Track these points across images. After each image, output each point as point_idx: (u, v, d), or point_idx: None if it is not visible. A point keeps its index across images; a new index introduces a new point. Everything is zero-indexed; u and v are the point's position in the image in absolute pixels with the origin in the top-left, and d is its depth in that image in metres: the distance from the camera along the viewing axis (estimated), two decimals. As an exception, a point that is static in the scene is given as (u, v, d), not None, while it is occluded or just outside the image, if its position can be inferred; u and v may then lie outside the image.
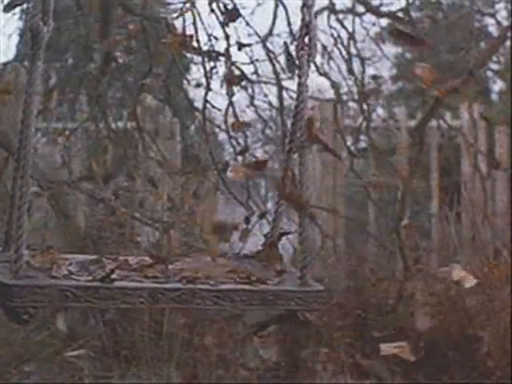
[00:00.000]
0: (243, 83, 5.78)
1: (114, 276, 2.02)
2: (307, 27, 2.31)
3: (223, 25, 4.53)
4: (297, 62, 2.34)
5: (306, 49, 2.32)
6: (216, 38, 4.58)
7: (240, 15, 3.65)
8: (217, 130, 5.96)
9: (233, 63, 4.66)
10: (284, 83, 5.84)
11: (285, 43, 2.52)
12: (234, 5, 3.79)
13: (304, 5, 2.32)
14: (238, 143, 5.10)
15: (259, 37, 5.60)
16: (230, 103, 4.61)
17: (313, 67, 2.40)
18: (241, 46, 4.09)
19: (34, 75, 2.10)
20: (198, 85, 5.28)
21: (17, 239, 2.02)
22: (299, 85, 2.33)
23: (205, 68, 4.71)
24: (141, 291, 2.01)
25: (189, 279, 2.09)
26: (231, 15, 3.65)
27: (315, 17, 2.38)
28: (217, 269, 2.20)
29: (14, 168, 2.24)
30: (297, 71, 2.34)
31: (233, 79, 3.78)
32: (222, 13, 3.97)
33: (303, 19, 2.32)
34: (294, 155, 2.33)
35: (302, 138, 2.31)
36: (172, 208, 4.56)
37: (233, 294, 2.09)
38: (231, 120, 4.64)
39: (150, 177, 4.83)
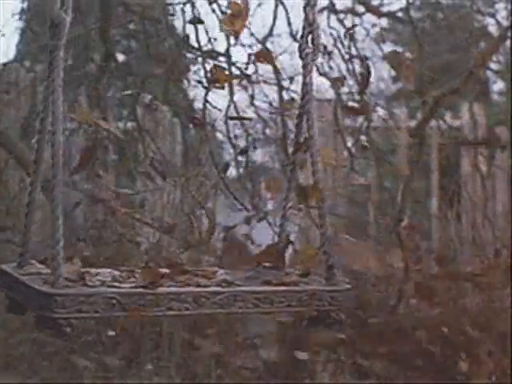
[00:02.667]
0: (243, 83, 5.78)
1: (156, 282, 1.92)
2: (310, 26, 2.28)
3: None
4: (301, 62, 2.31)
5: (309, 48, 2.29)
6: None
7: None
8: (217, 129, 5.96)
9: (233, 63, 4.67)
10: (284, 83, 5.84)
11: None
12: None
13: (307, 4, 2.29)
14: (235, 146, 5.10)
15: (257, 39, 5.60)
16: (230, 103, 4.61)
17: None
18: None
19: (57, 68, 1.96)
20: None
21: (53, 246, 1.89)
22: (304, 84, 2.30)
23: (205, 68, 4.72)
24: (185, 296, 1.92)
25: (228, 282, 2.03)
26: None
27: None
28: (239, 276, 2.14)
29: (33, 171, 2.08)
30: (302, 70, 2.32)
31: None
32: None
33: (306, 18, 2.29)
34: (300, 155, 2.30)
35: (312, 137, 2.27)
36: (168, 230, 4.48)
37: (272, 296, 2.04)
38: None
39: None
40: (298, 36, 2.33)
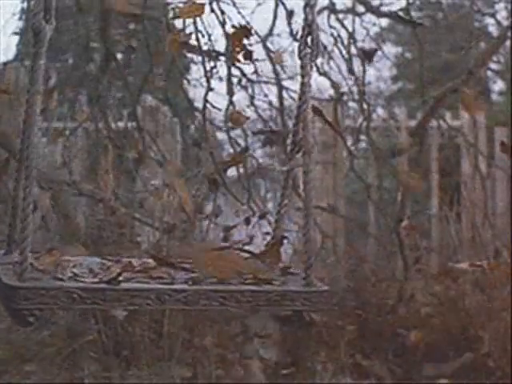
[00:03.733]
0: (243, 83, 5.79)
1: (119, 278, 2.01)
2: (310, 27, 2.30)
3: (223, 25, 4.54)
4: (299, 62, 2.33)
5: (308, 49, 2.31)
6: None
7: (376, 52, 3.44)
8: (216, 129, 5.96)
9: (233, 63, 4.66)
10: (284, 83, 5.84)
11: None
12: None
13: (306, 4, 2.30)
14: (238, 144, 5.11)
15: (259, 36, 5.60)
16: (230, 103, 4.61)
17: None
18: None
19: (36, 74, 2.06)
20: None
21: (21, 241, 1.99)
22: (302, 85, 2.32)
23: (205, 68, 4.71)
24: (148, 293, 2.00)
25: (195, 280, 2.08)
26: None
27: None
28: (221, 265, 2.18)
29: (16, 169, 2.21)
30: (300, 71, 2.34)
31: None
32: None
33: (306, 19, 2.30)
34: (298, 155, 2.32)
35: (306, 137, 2.29)
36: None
37: (239, 295, 2.09)
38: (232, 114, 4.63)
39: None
40: (299, 36, 2.34)
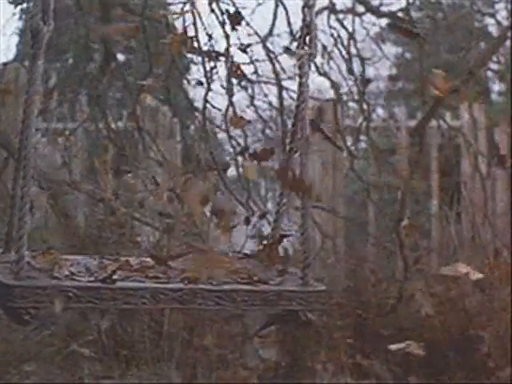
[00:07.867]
0: (243, 83, 5.78)
1: (115, 277, 2.02)
2: (308, 27, 2.32)
3: (223, 25, 4.54)
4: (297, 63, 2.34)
5: (306, 49, 2.32)
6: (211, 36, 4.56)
7: (242, 18, 3.58)
8: (217, 129, 5.96)
9: (233, 63, 4.66)
10: (284, 83, 5.84)
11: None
12: (236, 9, 3.74)
13: (305, 5, 2.32)
14: (238, 144, 5.11)
15: (259, 37, 5.60)
16: (230, 103, 4.61)
17: (313, 67, 2.40)
18: (243, 49, 4.03)
19: (35, 75, 2.09)
20: (200, 83, 5.17)
21: (18, 240, 2.02)
22: (300, 85, 2.34)
23: (205, 68, 4.72)
24: (143, 291, 2.01)
25: (190, 279, 2.09)
26: (235, 19, 3.59)
27: (315, 16, 2.38)
28: (218, 269, 2.20)
29: (15, 168, 2.22)
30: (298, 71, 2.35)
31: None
32: (227, 15, 3.90)
33: (304, 19, 2.32)
34: (295, 155, 2.33)
35: (303, 137, 2.31)
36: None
37: (234, 294, 2.09)
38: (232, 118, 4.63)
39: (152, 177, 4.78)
40: (297, 37, 2.35)
